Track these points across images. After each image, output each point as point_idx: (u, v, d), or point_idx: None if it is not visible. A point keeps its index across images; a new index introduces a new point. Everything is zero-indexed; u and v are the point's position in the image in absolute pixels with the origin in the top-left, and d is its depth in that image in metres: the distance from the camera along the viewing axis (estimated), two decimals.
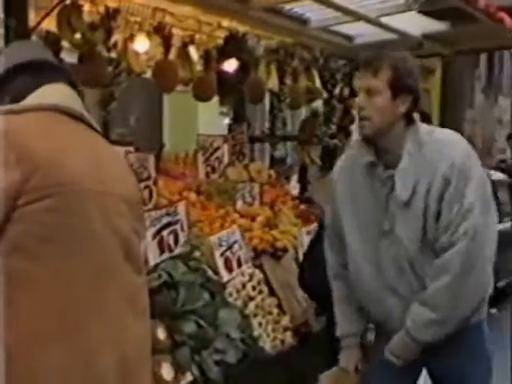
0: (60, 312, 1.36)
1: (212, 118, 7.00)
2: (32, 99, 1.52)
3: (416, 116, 2.15)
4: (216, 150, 4.78)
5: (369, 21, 5.14)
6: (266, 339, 3.36)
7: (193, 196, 4.38)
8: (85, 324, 1.38)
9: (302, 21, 5.06)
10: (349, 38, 5.87)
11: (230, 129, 5.52)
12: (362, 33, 5.79)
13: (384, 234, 2.12)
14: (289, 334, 3.53)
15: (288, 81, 5.46)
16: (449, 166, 2.01)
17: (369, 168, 2.14)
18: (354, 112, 6.38)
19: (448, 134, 2.19)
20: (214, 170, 4.75)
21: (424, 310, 2.04)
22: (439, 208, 2.02)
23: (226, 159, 4.71)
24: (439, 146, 2.07)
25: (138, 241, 1.59)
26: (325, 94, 5.85)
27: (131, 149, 4.41)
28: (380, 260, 2.14)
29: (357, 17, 4.92)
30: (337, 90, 6.04)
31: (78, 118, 1.53)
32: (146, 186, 3.67)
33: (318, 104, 6.06)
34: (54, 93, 1.54)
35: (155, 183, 3.68)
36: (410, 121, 2.12)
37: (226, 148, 4.73)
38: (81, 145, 1.49)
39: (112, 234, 1.46)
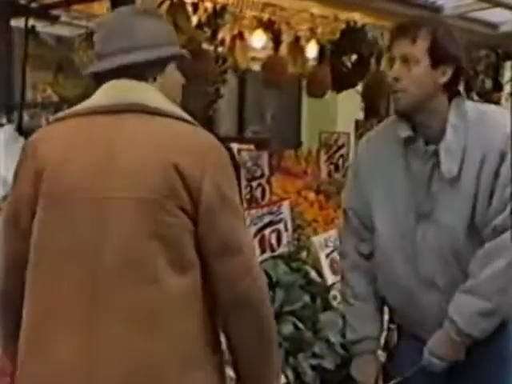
0: (37, 317, 1.45)
1: (353, 115, 6.84)
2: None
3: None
4: (340, 147, 4.65)
5: (510, 7, 4.72)
6: None
7: (312, 195, 4.30)
8: (56, 334, 1.40)
9: (434, 9, 4.74)
10: (492, 25, 5.45)
11: (358, 125, 5.35)
12: (509, 19, 5.36)
13: (422, 219, 1.87)
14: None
15: None
16: (506, 138, 1.77)
17: (406, 144, 1.90)
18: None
19: (494, 107, 2.00)
20: (337, 168, 4.62)
21: (474, 299, 1.79)
22: (492, 187, 1.78)
23: (351, 157, 4.57)
24: (490, 118, 1.84)
25: (158, 245, 1.40)
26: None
27: (251, 146, 4.42)
28: (417, 250, 1.88)
29: (494, 3, 4.53)
30: (477, 83, 5.63)
31: (119, 111, 1.48)
32: (259, 184, 3.62)
33: None
34: (99, 92, 1.55)
35: (268, 181, 3.64)
36: (453, 94, 1.87)
37: (352, 145, 4.58)
38: (93, 148, 1.46)
39: (104, 242, 1.41)
